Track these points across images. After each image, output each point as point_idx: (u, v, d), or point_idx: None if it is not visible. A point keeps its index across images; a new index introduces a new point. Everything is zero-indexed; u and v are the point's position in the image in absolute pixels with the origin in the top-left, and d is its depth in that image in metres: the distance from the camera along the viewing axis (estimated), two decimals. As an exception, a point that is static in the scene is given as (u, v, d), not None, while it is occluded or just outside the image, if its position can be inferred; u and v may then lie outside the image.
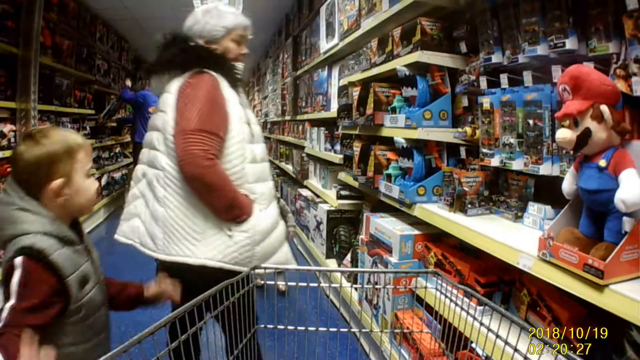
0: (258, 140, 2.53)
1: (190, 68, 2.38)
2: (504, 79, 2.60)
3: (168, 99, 2.35)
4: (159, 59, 2.48)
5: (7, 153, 5.05)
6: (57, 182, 1.79)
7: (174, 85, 2.37)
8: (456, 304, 1.78)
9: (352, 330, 1.95)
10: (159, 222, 2.28)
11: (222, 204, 2.27)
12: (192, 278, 2.09)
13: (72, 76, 7.27)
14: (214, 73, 2.38)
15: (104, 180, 8.87)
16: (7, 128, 5.11)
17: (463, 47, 3.06)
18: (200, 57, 2.42)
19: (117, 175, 9.76)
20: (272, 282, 1.85)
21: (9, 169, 5.04)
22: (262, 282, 1.87)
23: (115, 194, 9.51)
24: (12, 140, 5.21)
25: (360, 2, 4.35)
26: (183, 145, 2.18)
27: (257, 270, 1.82)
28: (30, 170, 1.76)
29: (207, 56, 2.44)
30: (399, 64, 3.38)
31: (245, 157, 2.39)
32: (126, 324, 4.13)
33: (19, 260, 1.65)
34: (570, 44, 2.10)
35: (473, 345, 2.27)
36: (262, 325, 1.92)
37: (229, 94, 2.41)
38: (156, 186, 2.32)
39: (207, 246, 2.26)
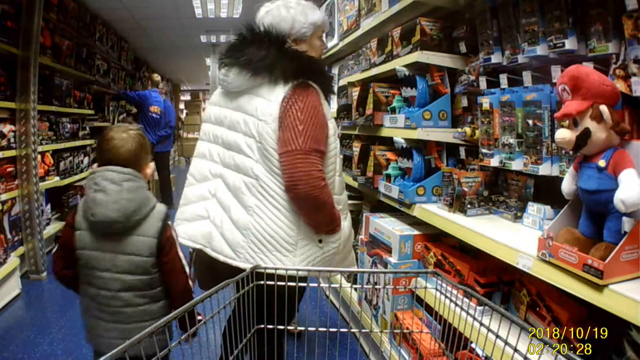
0: (339, 151, 2.51)
1: (295, 78, 2.27)
2: (503, 79, 2.60)
3: (267, 106, 2.25)
4: (252, 57, 2.27)
5: (7, 153, 5.06)
6: (152, 165, 2.37)
7: (276, 94, 2.25)
8: (456, 304, 1.78)
9: (352, 330, 1.94)
10: (244, 230, 2.26)
11: (325, 220, 2.29)
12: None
13: (72, 76, 7.25)
14: (316, 86, 2.33)
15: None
16: (6, 128, 5.11)
17: (462, 47, 3.06)
18: (306, 68, 2.31)
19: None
20: (272, 282, 1.85)
21: (8, 169, 5.06)
22: (263, 282, 1.87)
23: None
24: (12, 140, 5.21)
25: (360, 2, 4.35)
26: (300, 165, 2.15)
27: (257, 270, 1.82)
28: (135, 158, 2.22)
29: (312, 67, 2.34)
30: (399, 64, 3.38)
31: (336, 170, 2.40)
32: (126, 324, 4.11)
33: (170, 223, 2.25)
34: (570, 44, 2.10)
35: (473, 345, 2.27)
36: (262, 326, 1.92)
37: (326, 107, 2.37)
38: (245, 193, 2.27)
39: (297, 257, 2.26)
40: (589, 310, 1.89)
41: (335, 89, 4.99)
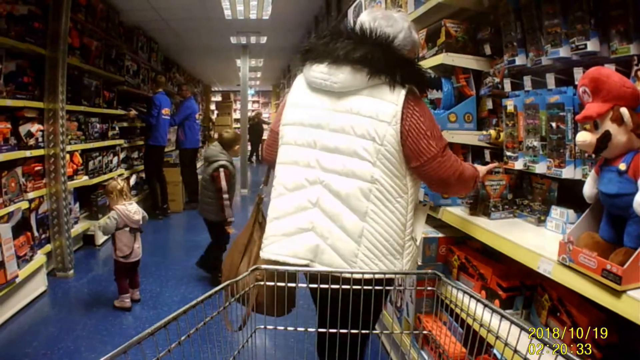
0: None
1: (409, 83, 2.14)
2: (527, 81, 2.58)
3: (389, 108, 2.09)
4: (369, 56, 2.10)
5: (35, 152, 5.17)
6: (239, 145, 5.79)
7: (397, 97, 2.10)
8: (456, 305, 1.78)
9: (353, 331, 1.93)
10: (359, 238, 2.11)
11: (472, 183, 2.39)
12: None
13: (101, 77, 7.38)
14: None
15: (133, 180, 9.00)
16: (35, 127, 5.22)
17: (487, 49, 3.03)
18: (419, 75, 2.21)
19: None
20: (272, 283, 1.86)
21: (36, 168, 5.16)
22: (263, 282, 1.88)
23: (143, 194, 9.60)
24: (40, 139, 5.33)
25: (387, 4, 4.35)
26: (444, 166, 2.17)
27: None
28: (229, 142, 5.54)
29: (423, 75, 2.24)
30: (424, 66, 3.36)
31: None
32: (127, 324, 4.20)
33: (222, 170, 5.24)
34: (592, 45, 2.07)
35: (494, 350, 2.26)
36: (262, 326, 1.92)
37: None
38: (361, 199, 2.11)
39: (404, 259, 2.22)
40: (608, 315, 1.86)
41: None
